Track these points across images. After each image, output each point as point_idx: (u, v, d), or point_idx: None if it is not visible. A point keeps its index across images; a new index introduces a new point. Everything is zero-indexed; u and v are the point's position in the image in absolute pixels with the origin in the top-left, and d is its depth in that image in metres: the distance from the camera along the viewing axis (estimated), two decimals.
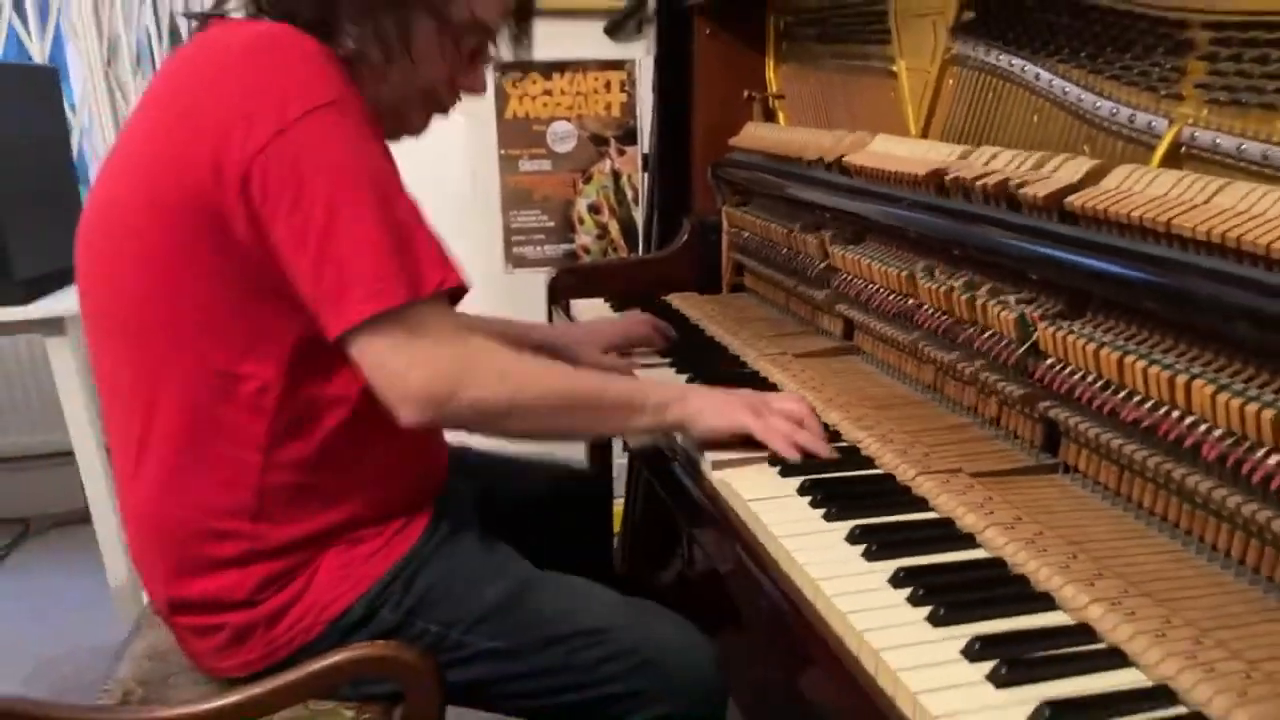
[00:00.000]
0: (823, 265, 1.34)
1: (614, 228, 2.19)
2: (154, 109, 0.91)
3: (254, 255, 0.84)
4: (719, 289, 1.76)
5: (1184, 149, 0.86)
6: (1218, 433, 0.72)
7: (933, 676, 0.63)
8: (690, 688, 0.95)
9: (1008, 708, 0.60)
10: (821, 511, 0.86)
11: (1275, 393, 0.69)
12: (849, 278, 1.27)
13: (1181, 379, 0.75)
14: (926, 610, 0.70)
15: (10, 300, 1.70)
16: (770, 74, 1.71)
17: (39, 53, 2.39)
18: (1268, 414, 0.67)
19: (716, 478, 0.96)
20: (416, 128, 1.02)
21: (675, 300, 1.69)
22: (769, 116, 1.72)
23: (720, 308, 1.62)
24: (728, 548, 0.89)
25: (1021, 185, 0.94)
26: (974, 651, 0.65)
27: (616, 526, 2.02)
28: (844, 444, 1.02)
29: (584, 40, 2.07)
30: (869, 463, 0.98)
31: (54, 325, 1.73)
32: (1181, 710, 0.59)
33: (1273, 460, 0.68)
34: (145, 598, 1.07)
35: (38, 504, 2.58)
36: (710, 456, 0.98)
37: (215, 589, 0.91)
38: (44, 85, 1.94)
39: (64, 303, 1.75)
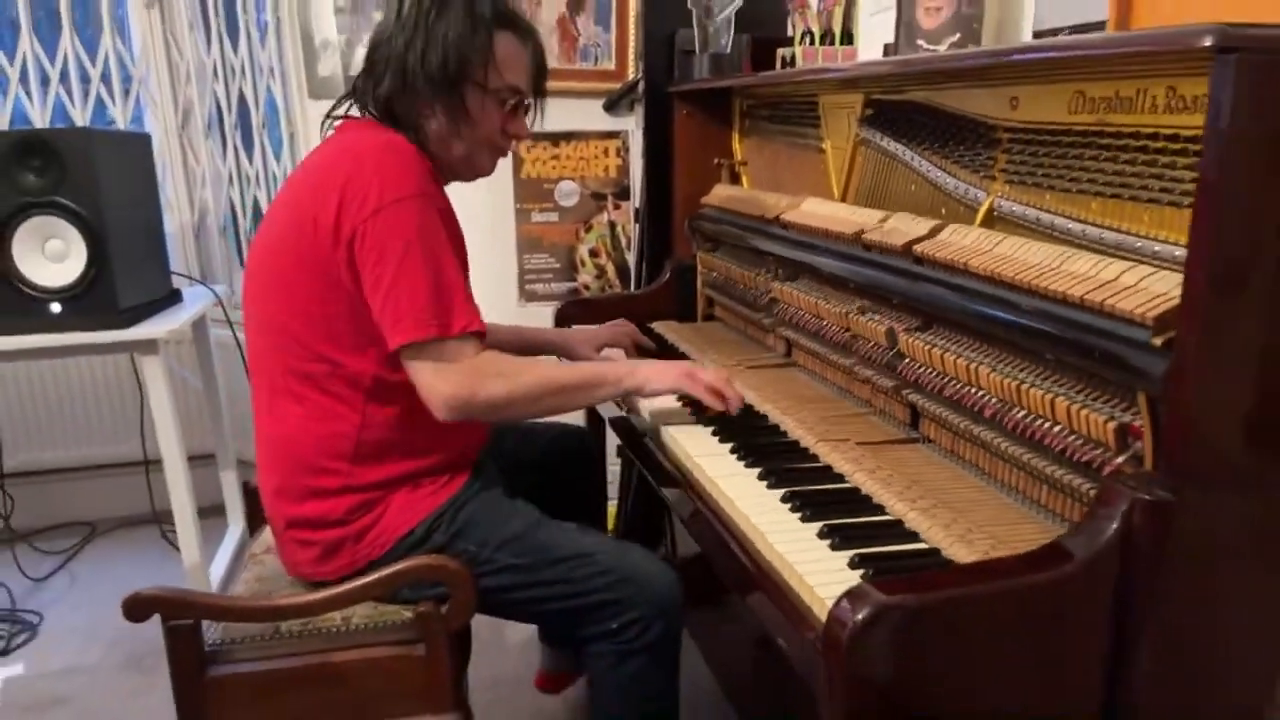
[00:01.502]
0: (768, 298, 1.72)
1: (610, 269, 2.57)
2: (302, 186, 1.29)
3: (352, 290, 1.22)
4: (695, 318, 2.13)
5: (996, 213, 1.24)
6: (993, 400, 1.09)
7: (797, 545, 1.00)
8: (656, 598, 1.30)
9: (838, 559, 0.97)
10: (744, 463, 1.23)
11: (1026, 373, 1.06)
12: (786, 306, 1.65)
13: (974, 366, 1.12)
14: (801, 514, 1.07)
15: (116, 325, 2.07)
16: (735, 144, 2.10)
17: (121, 117, 2.80)
18: (1021, 386, 1.04)
19: (667, 437, 1.33)
20: (487, 169, 1.42)
21: (658, 327, 2.06)
22: (735, 179, 2.11)
23: (694, 333, 2.00)
24: (681, 492, 1.26)
25: (887, 236, 1.32)
26: (823, 533, 1.02)
27: (610, 523, 2.36)
28: (771, 424, 1.39)
29: (586, 115, 2.46)
30: (785, 435, 1.34)
31: (150, 345, 2.09)
32: (942, 559, 0.96)
33: (1024, 416, 1.04)
34: (255, 540, 1.43)
35: (103, 509, 2.93)
36: (665, 428, 1.35)
37: (319, 511, 1.28)
38: (140, 149, 2.33)
39: (156, 327, 2.11)
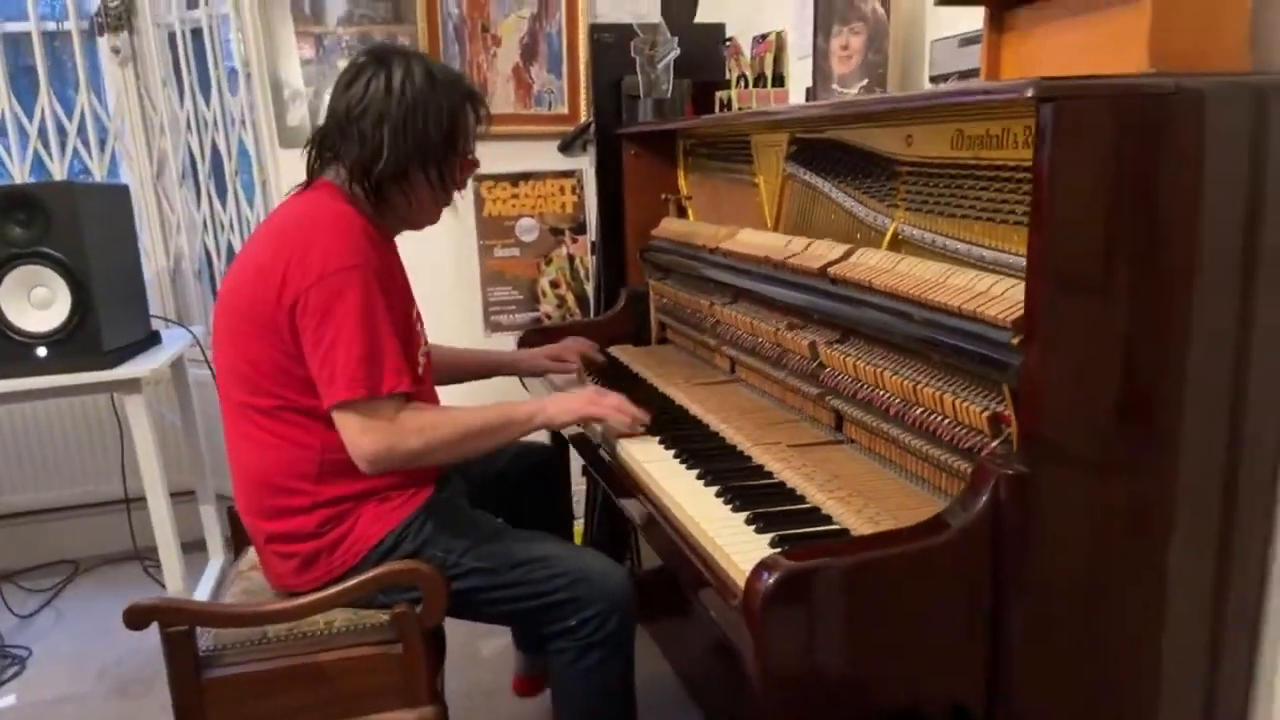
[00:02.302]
0: (713, 320, 1.87)
1: (570, 298, 2.72)
2: (262, 245, 1.42)
3: (292, 347, 1.36)
4: (649, 341, 2.29)
5: (900, 237, 1.40)
6: (897, 399, 1.24)
7: (726, 530, 1.14)
8: (609, 594, 1.42)
9: (761, 540, 1.11)
10: (686, 465, 1.38)
11: (921, 375, 1.21)
12: (727, 327, 1.80)
13: (886, 373, 1.27)
14: (732, 505, 1.21)
15: (100, 366, 2.18)
16: (681, 180, 2.27)
17: (98, 170, 2.93)
18: (916, 386, 1.20)
19: (620, 448, 1.47)
20: (435, 220, 1.55)
21: (615, 350, 2.21)
22: (682, 212, 2.27)
23: (648, 355, 2.15)
24: (630, 495, 1.40)
25: (805, 259, 1.47)
26: (750, 519, 1.16)
27: (578, 541, 2.48)
28: (709, 431, 1.54)
29: (542, 156, 2.62)
30: (722, 440, 1.49)
31: (133, 385, 2.20)
32: (848, 537, 1.10)
33: (921, 412, 1.20)
34: (240, 560, 1.55)
35: (85, 547, 3.00)
36: (619, 440, 1.50)
37: (292, 526, 1.40)
38: (120, 200, 2.45)
39: (139, 367, 2.23)
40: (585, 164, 2.64)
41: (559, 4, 2.49)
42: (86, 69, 2.83)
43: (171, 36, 2.81)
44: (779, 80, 2.11)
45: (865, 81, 1.62)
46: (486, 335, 2.67)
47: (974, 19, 1.39)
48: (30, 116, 2.82)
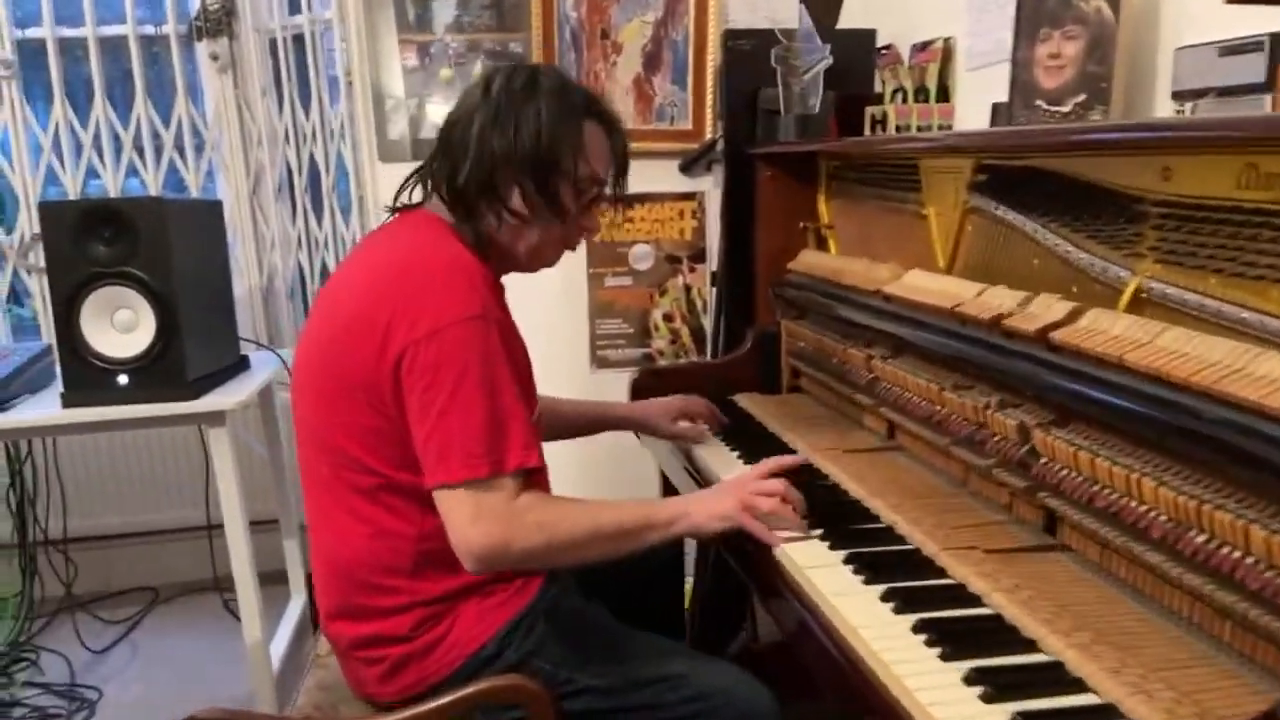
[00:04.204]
0: (869, 376, 1.58)
1: (685, 334, 2.46)
2: (358, 288, 1.19)
3: (394, 413, 1.13)
4: (779, 389, 2.01)
5: (1145, 295, 1.10)
6: (1162, 518, 0.94)
7: (942, 696, 0.86)
8: None
9: (997, 715, 0.82)
10: (862, 578, 1.10)
11: (1201, 487, 0.91)
12: (889, 386, 1.51)
13: (1134, 476, 0.97)
14: (940, 650, 0.93)
15: (184, 396, 2.01)
16: (822, 207, 1.99)
17: (194, 182, 2.80)
18: (1192, 504, 0.90)
19: (777, 554, 1.20)
20: (552, 262, 1.32)
21: (741, 399, 1.94)
22: (821, 243, 1.99)
23: (779, 406, 1.87)
24: (789, 606, 1.13)
25: (1017, 319, 1.18)
26: (972, 678, 0.88)
27: (686, 604, 2.22)
28: (883, 525, 1.25)
29: (661, 176, 2.37)
30: (901, 540, 1.21)
31: (217, 418, 2.03)
32: None
33: (1199, 539, 0.90)
34: (318, 641, 1.34)
35: (166, 574, 2.88)
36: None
37: (382, 629, 1.17)
38: (212, 216, 2.30)
39: (223, 399, 2.06)
40: (708, 185, 2.39)
41: (688, 8, 2.24)
42: (185, 76, 2.71)
43: (272, 43, 2.67)
44: (943, 94, 1.82)
45: (1082, 97, 1.32)
46: (593, 370, 2.44)
47: (1249, 22, 1.08)
48: (125, 125, 2.70)
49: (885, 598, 1.05)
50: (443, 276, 1.13)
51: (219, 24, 2.64)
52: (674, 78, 2.29)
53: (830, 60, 1.84)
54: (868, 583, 1.09)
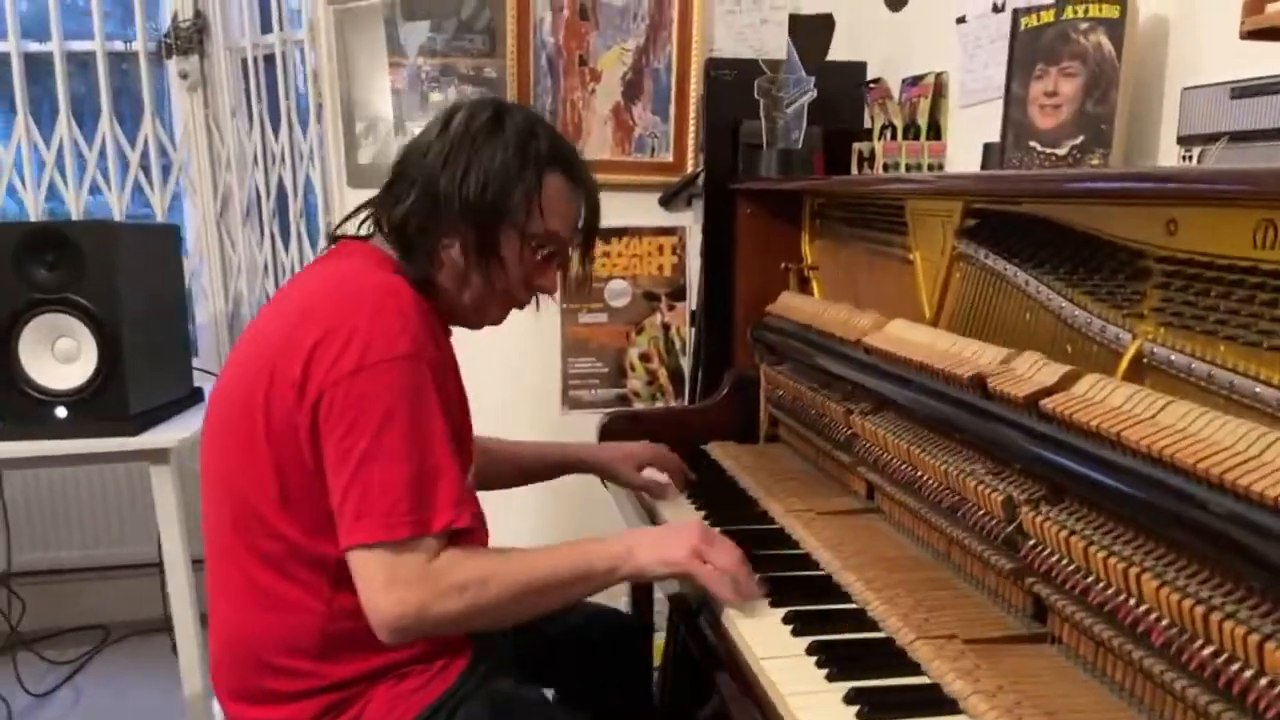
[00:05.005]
0: (848, 431, 1.47)
1: (663, 374, 2.34)
2: (278, 322, 1.08)
3: (310, 464, 1.01)
4: (756, 438, 1.89)
5: (1145, 360, 0.98)
6: (1164, 622, 0.82)
7: None
8: None
9: None
10: (825, 672, 0.98)
11: (1210, 588, 0.80)
12: (868, 444, 1.40)
13: (1134, 570, 0.85)
14: None
15: (125, 431, 1.90)
16: (806, 247, 1.88)
17: (159, 204, 2.70)
18: (1199, 610, 0.78)
19: (726, 620, 1.08)
20: (496, 320, 1.20)
21: (714, 449, 1.83)
22: (804, 284, 1.88)
23: (755, 458, 1.75)
24: (741, 700, 1.00)
25: (1003, 381, 1.07)
26: None
27: (658, 659, 2.09)
28: (854, 605, 1.13)
29: (640, 209, 2.26)
30: (873, 625, 1.08)
31: (160, 455, 1.92)
32: None
33: (1207, 651, 0.78)
34: (217, 711, 1.21)
35: (115, 612, 2.75)
36: (730, 613, 1.10)
37: (283, 715, 1.04)
38: (166, 242, 2.19)
39: (168, 435, 1.95)
40: (689, 220, 2.28)
41: (670, 35, 2.15)
42: (153, 95, 2.62)
43: (243, 63, 2.58)
44: (935, 131, 1.72)
45: (1080, 140, 1.22)
46: (564, 412, 2.32)
47: (1266, 60, 0.98)
48: (90, 143, 2.61)
49: (850, 699, 0.92)
50: (371, 303, 1.02)
51: (190, 41, 2.55)
52: (655, 108, 2.19)
53: (814, 93, 1.74)
54: (831, 679, 0.96)
